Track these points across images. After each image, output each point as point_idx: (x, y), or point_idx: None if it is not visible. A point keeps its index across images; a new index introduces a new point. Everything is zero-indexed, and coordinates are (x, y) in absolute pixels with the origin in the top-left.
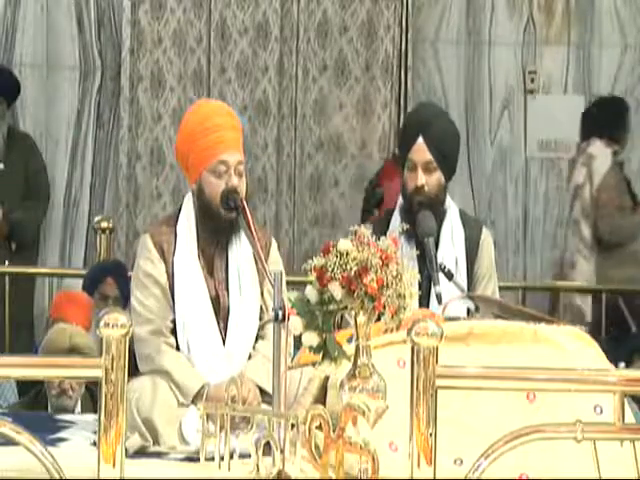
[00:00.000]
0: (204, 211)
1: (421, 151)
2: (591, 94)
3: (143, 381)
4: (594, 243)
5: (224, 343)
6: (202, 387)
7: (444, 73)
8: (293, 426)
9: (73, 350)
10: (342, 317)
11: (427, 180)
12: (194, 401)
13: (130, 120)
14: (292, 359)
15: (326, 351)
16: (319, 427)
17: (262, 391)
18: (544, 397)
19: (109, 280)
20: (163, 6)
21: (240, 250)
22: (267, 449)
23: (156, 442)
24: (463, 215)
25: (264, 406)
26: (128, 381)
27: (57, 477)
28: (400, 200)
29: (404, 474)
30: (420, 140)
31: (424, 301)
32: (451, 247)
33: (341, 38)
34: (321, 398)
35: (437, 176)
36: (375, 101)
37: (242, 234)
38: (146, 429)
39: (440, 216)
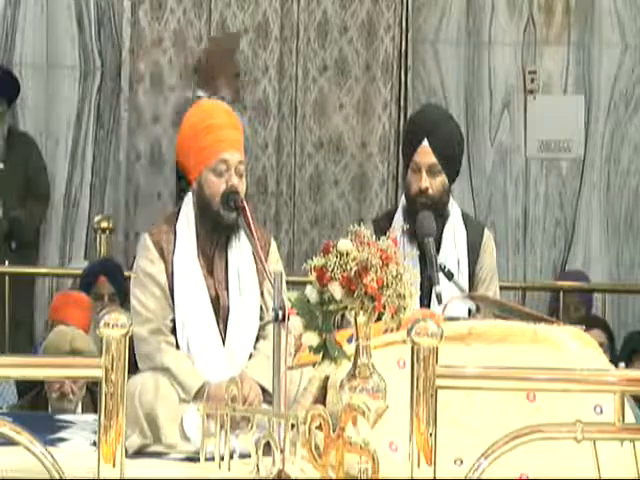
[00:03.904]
0: (204, 210)
1: (426, 154)
2: (591, 94)
3: (145, 375)
4: None
5: (224, 343)
6: (203, 385)
7: (444, 73)
8: (293, 426)
9: (74, 354)
10: (342, 317)
11: (431, 183)
12: (195, 399)
13: (130, 120)
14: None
15: (326, 351)
16: (319, 427)
17: (263, 390)
18: (544, 397)
19: (101, 279)
20: (163, 6)
21: (240, 250)
22: (267, 449)
23: (157, 438)
24: (465, 217)
25: (264, 406)
26: (128, 378)
27: (57, 477)
28: (403, 200)
29: (404, 474)
30: (425, 143)
31: (424, 301)
32: (453, 249)
33: (341, 38)
34: (321, 398)
35: (441, 179)
36: (375, 101)
37: (242, 234)
38: (147, 423)
39: (443, 218)
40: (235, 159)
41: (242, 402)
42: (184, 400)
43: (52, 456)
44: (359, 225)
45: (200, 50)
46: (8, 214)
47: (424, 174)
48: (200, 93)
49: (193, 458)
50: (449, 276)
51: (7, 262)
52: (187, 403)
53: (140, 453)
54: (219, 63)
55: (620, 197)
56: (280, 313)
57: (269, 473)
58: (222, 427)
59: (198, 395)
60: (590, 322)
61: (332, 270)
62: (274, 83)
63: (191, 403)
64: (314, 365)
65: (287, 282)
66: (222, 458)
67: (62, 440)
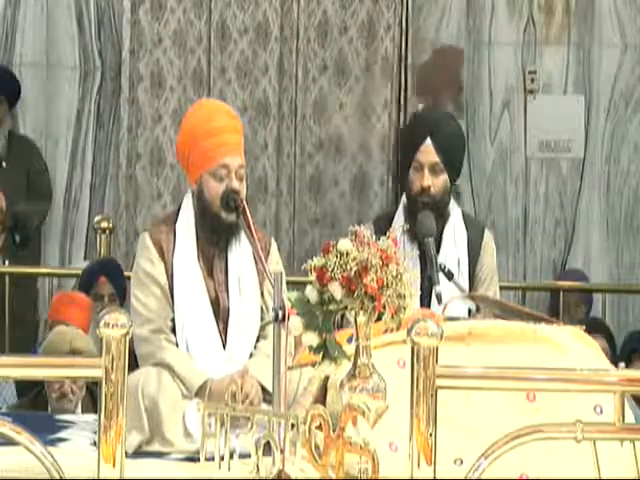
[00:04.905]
0: (204, 212)
1: (428, 152)
2: (591, 94)
3: (148, 369)
4: None
5: (224, 345)
6: (205, 382)
7: None
8: (293, 426)
9: (73, 354)
10: (342, 317)
11: (433, 182)
12: (197, 395)
13: (130, 120)
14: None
15: (326, 351)
16: (319, 427)
17: (264, 389)
18: (544, 397)
19: (102, 279)
20: (163, 6)
21: (240, 251)
22: (267, 449)
23: (158, 433)
24: (466, 217)
25: (264, 405)
26: (129, 374)
27: (57, 477)
28: (404, 199)
29: (404, 474)
30: (428, 141)
31: (424, 301)
32: (453, 249)
33: (341, 38)
34: (321, 398)
35: (443, 178)
36: (375, 101)
37: (242, 235)
38: (149, 416)
39: (444, 218)
40: (236, 163)
41: (243, 399)
42: (186, 397)
43: (52, 456)
44: (359, 225)
45: (424, 63)
46: (12, 208)
47: (426, 172)
48: (421, 105)
49: (193, 458)
50: (449, 276)
51: (7, 262)
52: (189, 399)
53: (140, 453)
54: (444, 76)
55: (620, 197)
56: (280, 313)
57: (269, 473)
58: (222, 425)
59: (200, 392)
60: (592, 327)
61: (332, 270)
62: (274, 83)
63: (193, 399)
64: (314, 365)
65: (287, 282)
66: (222, 458)
67: (62, 440)
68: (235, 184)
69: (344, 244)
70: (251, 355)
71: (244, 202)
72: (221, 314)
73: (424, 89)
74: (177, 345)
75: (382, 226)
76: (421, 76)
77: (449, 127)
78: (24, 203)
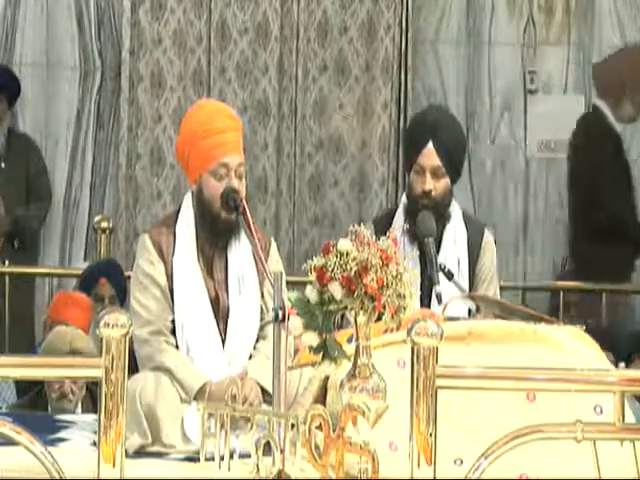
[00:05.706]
0: (204, 212)
1: (430, 156)
2: (591, 94)
3: (146, 374)
4: None
5: (224, 344)
6: (204, 385)
7: (444, 73)
8: (293, 426)
9: (73, 354)
10: (342, 317)
11: (435, 185)
12: (196, 398)
13: (130, 120)
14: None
15: (326, 351)
16: (319, 427)
17: (263, 390)
18: (544, 397)
19: (102, 281)
20: (163, 6)
21: (240, 251)
22: (267, 449)
23: (157, 438)
24: (466, 217)
25: (265, 406)
26: (129, 378)
27: (57, 477)
28: (404, 200)
29: (404, 474)
30: (430, 145)
31: (424, 301)
32: (453, 249)
33: (341, 38)
34: (321, 398)
35: (445, 181)
36: (375, 101)
37: (242, 235)
38: (148, 423)
39: (444, 218)
40: (235, 162)
41: (242, 402)
42: (185, 401)
43: (52, 456)
44: (359, 225)
45: (610, 59)
46: (11, 213)
47: (428, 176)
48: (598, 102)
49: (193, 458)
50: (449, 276)
51: (7, 262)
52: (188, 404)
53: (140, 453)
54: (628, 75)
55: None
56: (280, 313)
57: (269, 473)
58: (222, 427)
59: (199, 395)
60: (597, 336)
61: (332, 270)
62: (274, 83)
63: (192, 404)
64: (314, 365)
65: (287, 282)
66: (222, 458)
67: (62, 440)
68: (235, 183)
69: (344, 244)
70: (251, 356)
71: (244, 202)
72: (221, 314)
73: (605, 88)
74: (177, 346)
75: (382, 226)
76: (601, 75)
77: (451, 130)
78: (23, 204)
